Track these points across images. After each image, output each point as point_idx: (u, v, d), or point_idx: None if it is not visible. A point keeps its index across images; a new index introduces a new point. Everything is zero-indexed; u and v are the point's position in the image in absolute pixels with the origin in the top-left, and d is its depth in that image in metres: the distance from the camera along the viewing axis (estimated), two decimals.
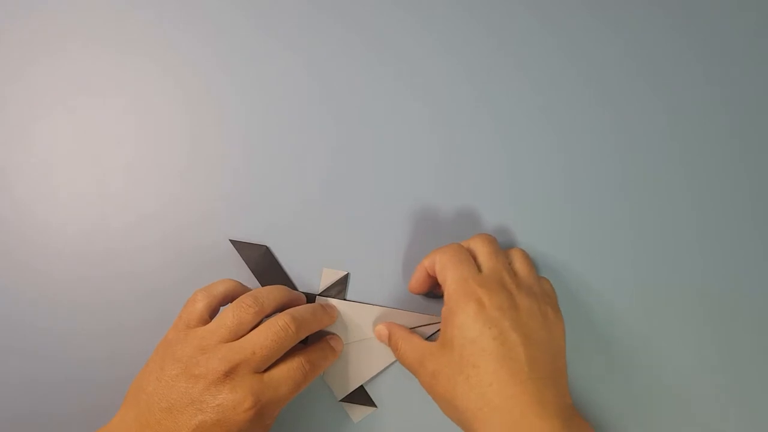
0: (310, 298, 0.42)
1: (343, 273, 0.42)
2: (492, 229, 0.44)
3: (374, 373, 0.41)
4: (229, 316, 0.36)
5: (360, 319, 0.41)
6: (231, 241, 0.42)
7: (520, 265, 0.39)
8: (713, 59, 0.45)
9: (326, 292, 0.42)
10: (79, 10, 0.45)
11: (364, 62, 0.45)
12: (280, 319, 0.36)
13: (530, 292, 0.37)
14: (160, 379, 0.34)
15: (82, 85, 0.45)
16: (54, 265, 0.43)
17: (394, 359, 0.42)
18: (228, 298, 0.38)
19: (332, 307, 0.41)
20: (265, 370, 0.35)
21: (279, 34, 0.45)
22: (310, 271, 0.43)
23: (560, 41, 0.45)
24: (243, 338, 0.35)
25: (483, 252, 0.38)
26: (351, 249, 0.43)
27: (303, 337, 0.37)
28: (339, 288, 0.42)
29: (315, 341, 0.40)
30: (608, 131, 0.44)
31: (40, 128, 0.44)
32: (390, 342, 0.40)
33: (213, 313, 0.37)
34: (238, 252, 0.42)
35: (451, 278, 0.37)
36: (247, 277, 0.42)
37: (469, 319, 0.35)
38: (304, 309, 0.38)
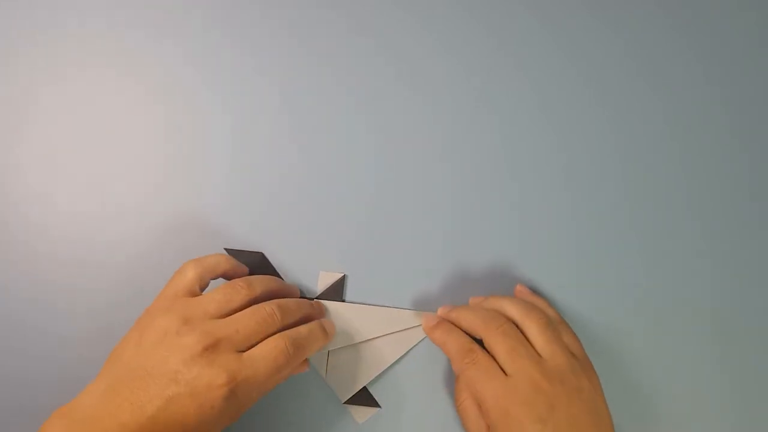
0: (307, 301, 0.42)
1: (339, 275, 0.42)
2: (492, 229, 0.43)
3: (377, 374, 0.41)
4: (219, 292, 0.36)
5: (359, 321, 0.41)
6: (226, 249, 0.42)
7: (572, 345, 0.38)
8: (713, 59, 0.45)
9: (324, 295, 0.42)
10: (77, 10, 0.45)
11: (363, 62, 0.45)
12: (268, 306, 0.36)
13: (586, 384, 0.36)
14: (138, 345, 0.34)
15: (82, 85, 0.45)
16: (53, 265, 0.43)
17: (395, 358, 0.42)
18: (218, 273, 0.38)
19: (330, 324, 0.40)
20: (247, 350, 0.35)
21: (278, 33, 0.45)
22: (307, 275, 0.43)
23: (560, 41, 0.45)
24: (228, 317, 0.35)
25: (539, 338, 0.37)
26: (348, 251, 0.43)
27: (287, 325, 0.37)
28: (336, 290, 0.42)
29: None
30: (608, 131, 0.44)
31: (38, 129, 0.44)
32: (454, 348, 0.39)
33: (203, 286, 0.37)
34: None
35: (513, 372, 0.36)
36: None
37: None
38: (293, 302, 0.38)
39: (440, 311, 0.41)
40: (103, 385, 0.33)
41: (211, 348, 0.33)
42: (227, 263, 0.38)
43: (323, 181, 0.44)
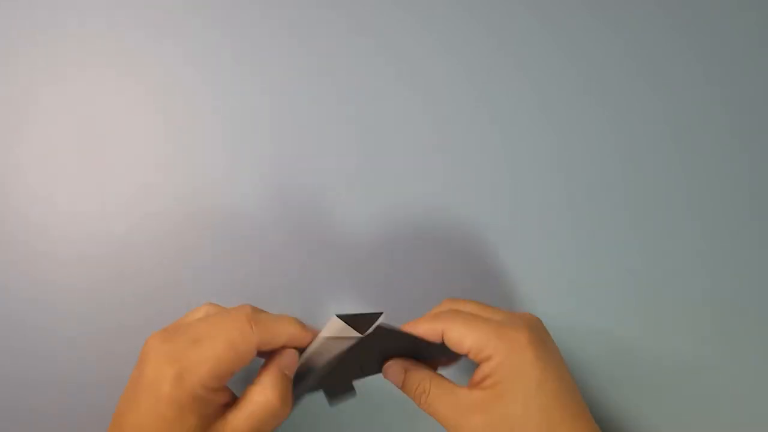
0: None
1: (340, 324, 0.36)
2: (491, 229, 0.43)
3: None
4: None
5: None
6: (337, 315, 0.35)
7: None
8: (713, 59, 0.45)
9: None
10: (77, 10, 0.45)
11: (363, 62, 0.45)
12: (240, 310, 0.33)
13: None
14: None
15: (82, 85, 0.45)
16: (53, 265, 0.43)
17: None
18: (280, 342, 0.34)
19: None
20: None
21: (278, 33, 0.45)
22: (309, 275, 0.43)
23: (560, 41, 0.45)
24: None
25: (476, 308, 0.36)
26: (347, 251, 0.43)
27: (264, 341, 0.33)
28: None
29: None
30: (608, 131, 0.44)
31: (38, 129, 0.44)
32: (407, 385, 0.35)
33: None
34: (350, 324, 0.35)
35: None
36: (254, 283, 0.42)
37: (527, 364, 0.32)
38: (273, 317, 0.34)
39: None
40: None
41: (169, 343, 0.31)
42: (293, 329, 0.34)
43: (323, 180, 0.44)
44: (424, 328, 0.34)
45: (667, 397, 0.42)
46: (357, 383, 0.37)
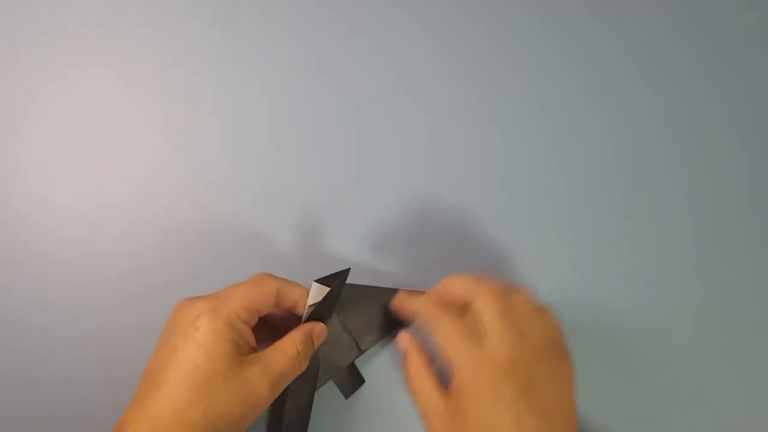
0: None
1: (327, 289, 0.39)
2: (491, 229, 0.43)
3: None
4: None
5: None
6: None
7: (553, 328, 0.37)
8: (713, 59, 0.45)
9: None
10: (77, 10, 0.45)
11: (363, 62, 0.45)
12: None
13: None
14: None
15: (81, 85, 0.45)
16: (53, 265, 0.43)
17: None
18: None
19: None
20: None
21: (278, 33, 0.45)
22: (307, 274, 0.43)
23: (560, 41, 0.45)
24: None
25: (489, 316, 0.36)
26: (347, 251, 0.43)
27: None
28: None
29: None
30: (608, 131, 0.44)
31: (38, 129, 0.44)
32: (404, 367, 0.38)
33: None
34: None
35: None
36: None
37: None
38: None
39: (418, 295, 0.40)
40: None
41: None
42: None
43: (323, 181, 0.44)
44: (408, 310, 0.39)
45: (668, 396, 0.42)
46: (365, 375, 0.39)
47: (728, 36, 0.45)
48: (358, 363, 0.41)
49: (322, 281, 0.38)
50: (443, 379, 0.36)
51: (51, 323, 0.42)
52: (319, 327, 0.37)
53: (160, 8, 0.45)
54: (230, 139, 0.44)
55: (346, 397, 0.40)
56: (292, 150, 0.44)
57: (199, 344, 0.32)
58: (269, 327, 0.38)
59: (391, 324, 0.41)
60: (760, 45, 0.45)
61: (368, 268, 0.43)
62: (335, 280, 0.38)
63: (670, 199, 0.44)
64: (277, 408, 0.39)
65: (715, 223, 0.44)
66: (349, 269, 0.39)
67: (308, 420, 0.38)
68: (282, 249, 0.43)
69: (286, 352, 0.34)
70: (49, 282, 0.42)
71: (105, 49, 0.45)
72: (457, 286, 0.38)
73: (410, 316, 0.40)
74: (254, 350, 0.34)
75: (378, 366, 0.41)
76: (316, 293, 0.37)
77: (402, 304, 0.40)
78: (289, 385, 0.36)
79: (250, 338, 0.34)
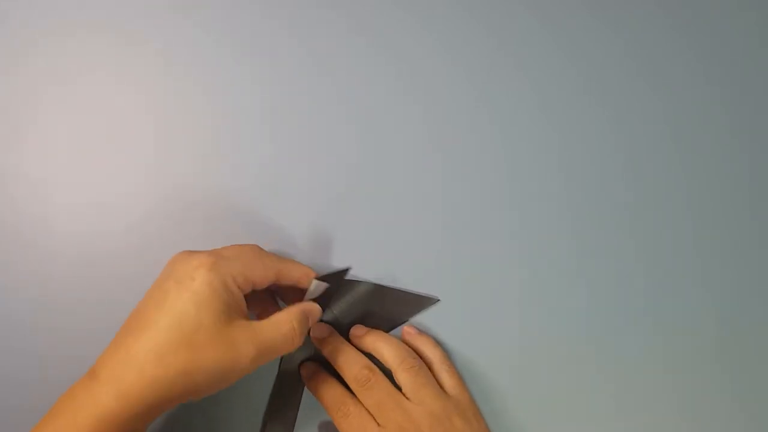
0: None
1: (325, 286, 0.40)
2: (491, 229, 0.43)
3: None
4: None
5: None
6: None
7: (452, 386, 0.39)
8: (713, 59, 0.45)
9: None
10: (77, 9, 0.45)
11: (363, 62, 0.45)
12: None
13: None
14: None
15: (81, 85, 0.45)
16: (53, 264, 0.43)
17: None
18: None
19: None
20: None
21: (278, 33, 0.45)
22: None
23: (560, 41, 0.45)
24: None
25: (408, 386, 0.38)
26: (347, 249, 0.43)
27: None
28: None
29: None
30: (608, 131, 0.44)
31: (39, 129, 0.44)
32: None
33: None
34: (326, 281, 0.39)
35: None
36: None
37: None
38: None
39: (355, 331, 0.41)
40: None
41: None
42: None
43: (322, 180, 0.44)
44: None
45: (668, 397, 0.42)
46: None
47: (728, 36, 0.45)
48: None
49: (321, 279, 0.38)
50: None
51: (51, 323, 0.42)
52: (313, 306, 0.37)
53: (159, 7, 0.45)
54: (230, 139, 0.44)
55: None
56: (291, 150, 0.44)
57: (193, 293, 0.32)
58: (259, 301, 0.39)
59: (390, 321, 0.42)
60: (760, 45, 0.45)
61: (368, 267, 0.43)
62: (335, 278, 0.38)
63: (670, 200, 0.44)
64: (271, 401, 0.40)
65: (715, 223, 0.44)
66: (348, 268, 0.39)
67: (296, 416, 0.40)
68: (281, 249, 0.43)
69: (280, 326, 0.34)
70: (49, 281, 0.42)
71: (105, 49, 0.45)
72: (388, 352, 0.39)
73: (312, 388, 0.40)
74: (245, 317, 0.34)
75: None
76: (315, 290, 0.38)
77: (360, 336, 0.40)
78: (279, 373, 0.36)
79: (242, 304, 0.34)
